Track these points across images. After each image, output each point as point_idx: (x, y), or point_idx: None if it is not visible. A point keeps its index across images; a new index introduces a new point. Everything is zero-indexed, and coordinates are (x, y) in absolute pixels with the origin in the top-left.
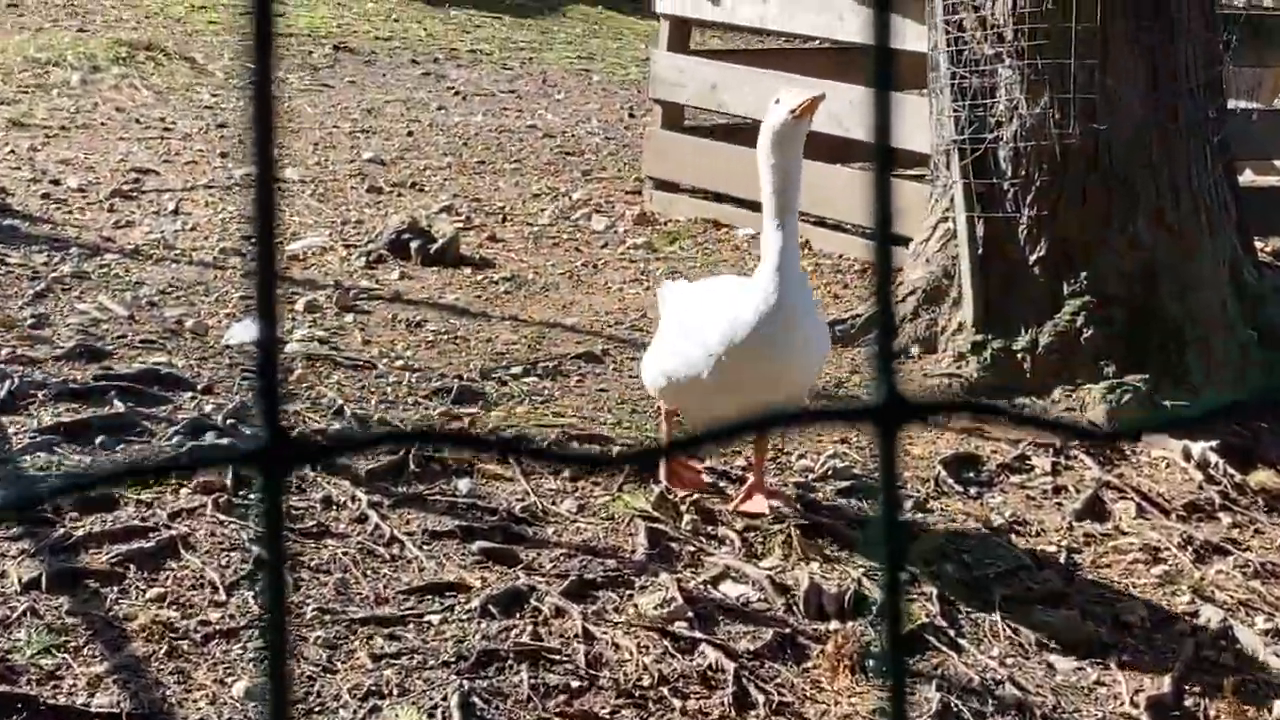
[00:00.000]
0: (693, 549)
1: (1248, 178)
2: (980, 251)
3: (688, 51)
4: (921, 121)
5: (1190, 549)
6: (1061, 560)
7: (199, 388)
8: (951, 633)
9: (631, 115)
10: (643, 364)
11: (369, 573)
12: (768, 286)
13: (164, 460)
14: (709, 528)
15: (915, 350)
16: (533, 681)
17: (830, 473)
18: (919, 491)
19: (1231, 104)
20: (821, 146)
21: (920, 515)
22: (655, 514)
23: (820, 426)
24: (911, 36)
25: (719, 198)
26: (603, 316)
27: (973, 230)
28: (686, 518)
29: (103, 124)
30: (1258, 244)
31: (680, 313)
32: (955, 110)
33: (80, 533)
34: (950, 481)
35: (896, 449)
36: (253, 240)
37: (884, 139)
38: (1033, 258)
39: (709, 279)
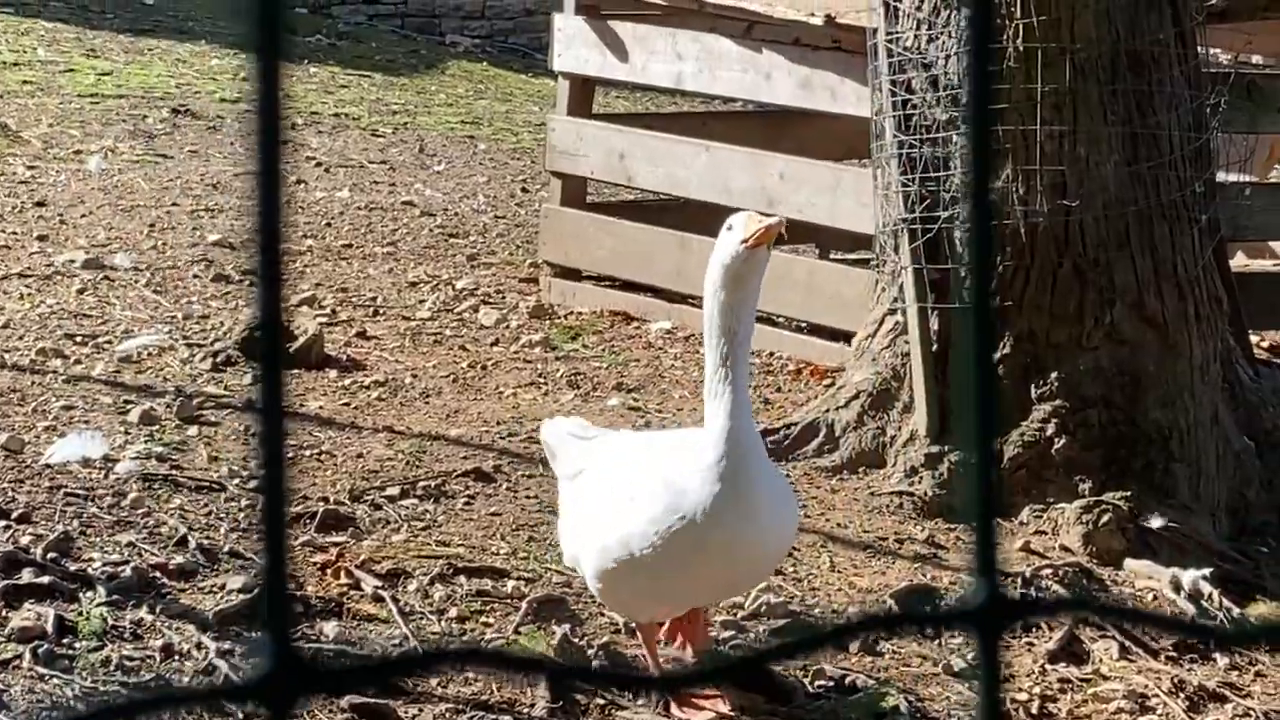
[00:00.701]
0: (603, 701)
1: (1240, 261)
2: (935, 349)
3: (590, 115)
4: (865, 197)
5: (1182, 696)
6: (1034, 710)
7: (14, 515)
8: None
9: (525, 190)
10: (572, 546)
11: None
12: (713, 460)
13: (160, 694)
14: None
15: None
16: None
17: (763, 609)
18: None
19: (1221, 177)
20: None
21: (869, 659)
22: (559, 660)
23: (909, 630)
24: (852, 99)
25: (628, 286)
26: (494, 427)
27: (926, 324)
28: (596, 664)
29: None
30: (1253, 338)
31: (608, 477)
32: (904, 185)
33: None
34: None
35: (999, 658)
36: (261, 397)
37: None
38: (995, 356)
39: (638, 435)
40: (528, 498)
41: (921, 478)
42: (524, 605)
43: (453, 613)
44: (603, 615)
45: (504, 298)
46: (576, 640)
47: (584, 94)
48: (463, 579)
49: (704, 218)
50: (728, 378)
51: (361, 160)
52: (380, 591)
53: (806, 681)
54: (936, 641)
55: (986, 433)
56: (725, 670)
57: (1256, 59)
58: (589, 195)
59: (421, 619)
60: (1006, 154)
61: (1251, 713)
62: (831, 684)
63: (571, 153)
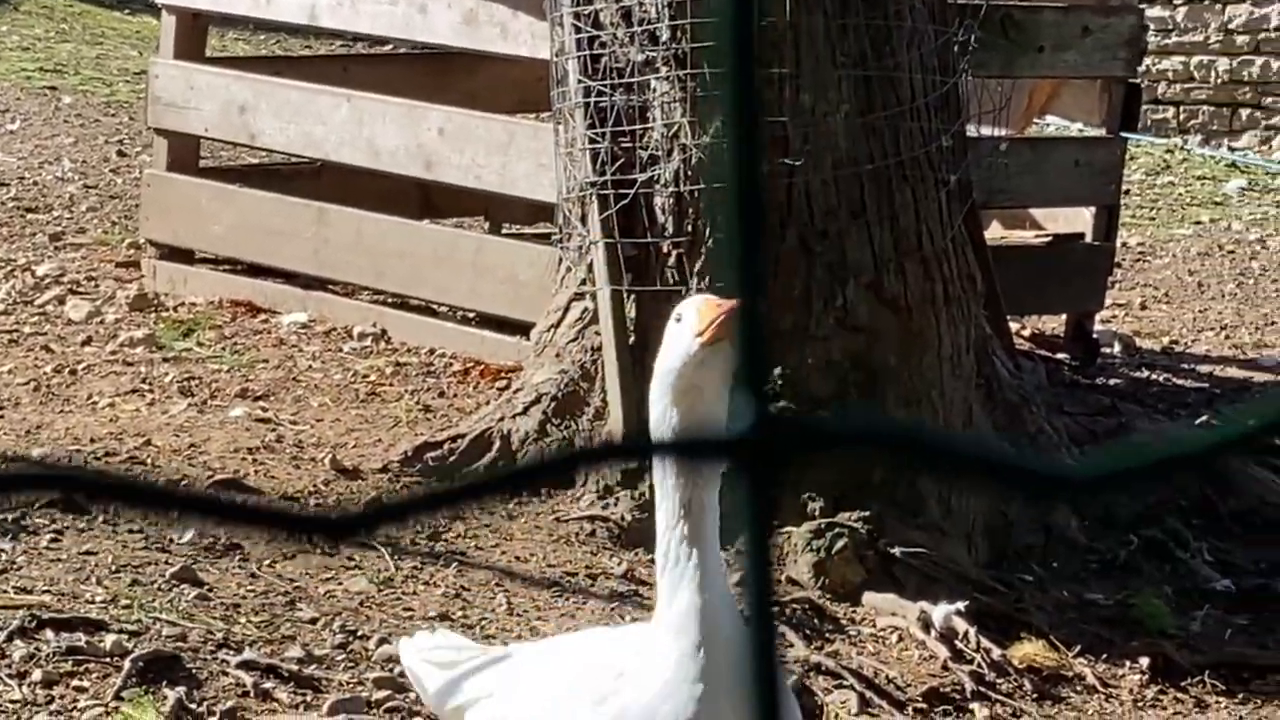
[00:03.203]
0: None
1: (995, 232)
2: (633, 341)
3: (204, 60)
4: (545, 157)
5: None
6: None
7: None
8: None
9: (121, 154)
10: None
11: None
12: (685, 652)
13: None
14: None
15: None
16: None
17: None
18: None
19: (972, 130)
20: (402, 195)
21: None
22: None
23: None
24: (526, 36)
25: (254, 270)
26: (87, 445)
27: (621, 310)
28: None
29: None
30: (1013, 325)
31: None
32: (592, 141)
33: None
34: None
35: (770, 498)
36: None
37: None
38: None
39: (555, 641)
40: (131, 532)
41: (618, 499)
42: (127, 665)
43: (37, 675)
44: (226, 675)
45: (97, 286)
46: (194, 706)
47: (194, 33)
48: (49, 633)
49: (346, 184)
50: (690, 536)
51: None
52: None
53: None
54: None
55: (751, 210)
56: None
57: None
58: (203, 159)
59: None
60: (717, 102)
61: None
62: None
63: (180, 105)
